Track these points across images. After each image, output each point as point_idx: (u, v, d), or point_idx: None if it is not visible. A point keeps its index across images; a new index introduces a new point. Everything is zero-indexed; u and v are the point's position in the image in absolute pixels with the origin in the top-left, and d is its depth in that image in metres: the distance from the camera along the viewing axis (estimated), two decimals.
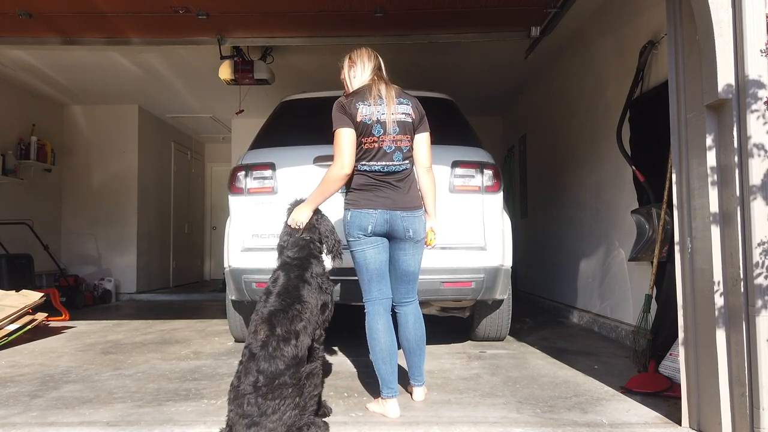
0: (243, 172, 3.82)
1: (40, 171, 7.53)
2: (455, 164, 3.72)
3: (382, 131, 2.62)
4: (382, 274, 2.70)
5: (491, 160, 3.83)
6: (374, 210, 2.62)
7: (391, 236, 2.69)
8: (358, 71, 2.73)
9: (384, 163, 2.63)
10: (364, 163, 2.64)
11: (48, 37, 5.10)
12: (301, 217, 2.65)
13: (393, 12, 4.59)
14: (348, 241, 2.68)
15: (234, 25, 4.99)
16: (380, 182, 2.65)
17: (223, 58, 5.58)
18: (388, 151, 2.63)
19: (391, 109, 2.63)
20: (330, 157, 3.60)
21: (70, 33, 5.06)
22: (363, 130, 2.61)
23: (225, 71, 5.67)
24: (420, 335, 2.78)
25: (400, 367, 3.26)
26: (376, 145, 2.62)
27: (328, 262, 2.73)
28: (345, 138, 2.58)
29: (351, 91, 2.72)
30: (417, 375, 2.81)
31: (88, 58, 6.22)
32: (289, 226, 2.69)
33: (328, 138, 3.57)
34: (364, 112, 2.61)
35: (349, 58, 2.76)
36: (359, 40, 5.09)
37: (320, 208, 2.74)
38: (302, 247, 2.61)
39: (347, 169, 2.58)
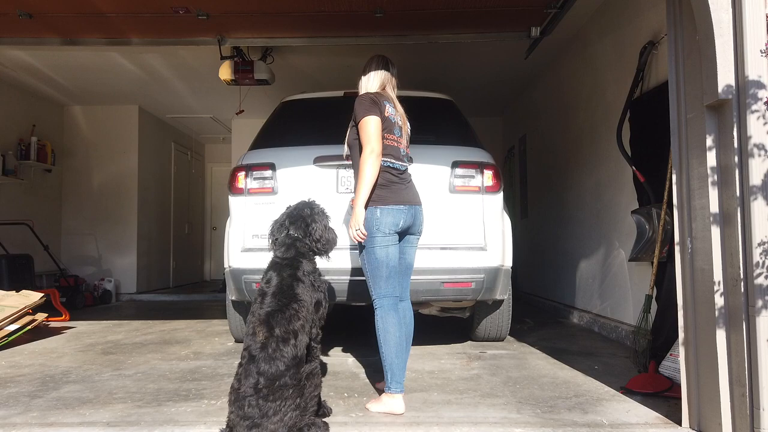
0: (243, 173, 3.82)
1: (40, 171, 7.53)
2: (455, 164, 3.73)
3: (400, 134, 2.85)
4: (396, 270, 2.76)
5: (491, 161, 3.83)
6: (404, 205, 2.74)
7: (408, 231, 2.82)
8: (363, 83, 2.92)
9: (401, 162, 2.83)
10: (386, 159, 2.75)
11: (48, 37, 5.10)
12: (359, 219, 2.67)
13: (393, 12, 4.59)
14: (374, 237, 2.68)
15: (234, 26, 4.99)
16: (400, 180, 2.80)
17: (223, 58, 5.58)
18: (403, 153, 2.85)
19: (404, 119, 2.92)
20: (329, 158, 3.63)
21: (70, 33, 5.06)
22: (387, 126, 2.77)
23: (225, 72, 5.67)
24: (412, 331, 2.87)
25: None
26: (396, 143, 2.81)
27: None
28: (374, 125, 2.69)
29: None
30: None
31: (88, 59, 6.23)
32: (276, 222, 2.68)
33: (328, 138, 3.58)
34: (390, 111, 2.81)
35: (364, 67, 2.95)
36: (359, 40, 5.11)
37: (322, 207, 2.73)
38: (288, 246, 2.57)
39: (378, 152, 2.67)
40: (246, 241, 3.78)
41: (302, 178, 3.72)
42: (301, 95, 4.54)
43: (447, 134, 4.07)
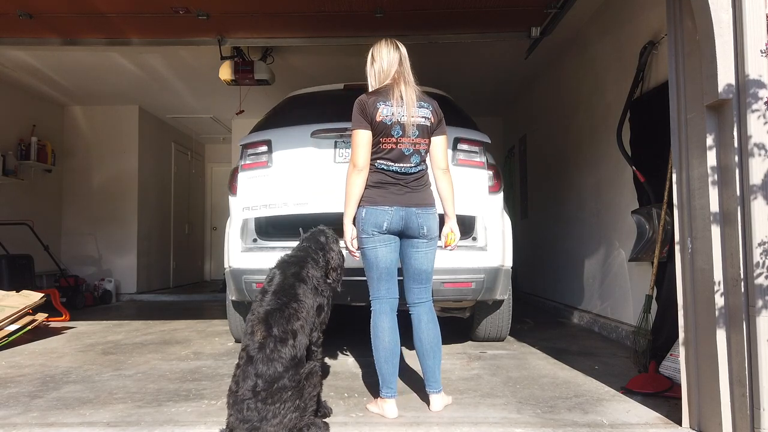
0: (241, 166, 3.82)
1: (40, 172, 7.53)
2: (457, 140, 3.66)
3: (401, 133, 2.64)
4: (391, 273, 2.69)
5: (490, 159, 3.82)
6: (390, 207, 2.62)
7: (404, 234, 2.69)
8: (377, 68, 2.72)
9: (401, 164, 2.65)
10: (382, 161, 2.65)
11: (48, 37, 5.10)
12: (346, 234, 2.67)
13: (393, 12, 4.59)
14: (360, 238, 2.67)
15: (234, 26, 4.99)
16: (396, 181, 2.65)
17: (223, 58, 5.59)
18: (407, 154, 2.65)
19: (411, 111, 2.64)
20: (327, 130, 3.60)
21: (71, 33, 5.06)
22: (382, 130, 2.62)
23: (225, 72, 5.68)
24: (433, 337, 2.73)
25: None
26: (395, 146, 2.64)
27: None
28: (359, 139, 2.61)
29: (372, 89, 2.72)
30: (432, 380, 2.71)
31: (88, 59, 6.23)
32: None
33: (326, 118, 3.56)
34: (385, 112, 2.61)
35: (371, 55, 2.75)
36: (359, 40, 5.11)
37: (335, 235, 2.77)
38: (300, 249, 2.65)
39: (360, 166, 2.61)
40: (246, 242, 3.78)
41: (299, 151, 3.66)
42: (301, 90, 4.56)
43: (447, 121, 4.05)
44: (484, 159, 3.68)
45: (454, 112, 4.21)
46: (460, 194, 3.56)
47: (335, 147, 3.65)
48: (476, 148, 3.69)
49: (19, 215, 6.91)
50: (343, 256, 2.79)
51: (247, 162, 3.74)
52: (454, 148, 3.65)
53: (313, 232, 2.78)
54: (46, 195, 7.74)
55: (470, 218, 3.70)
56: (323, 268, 2.64)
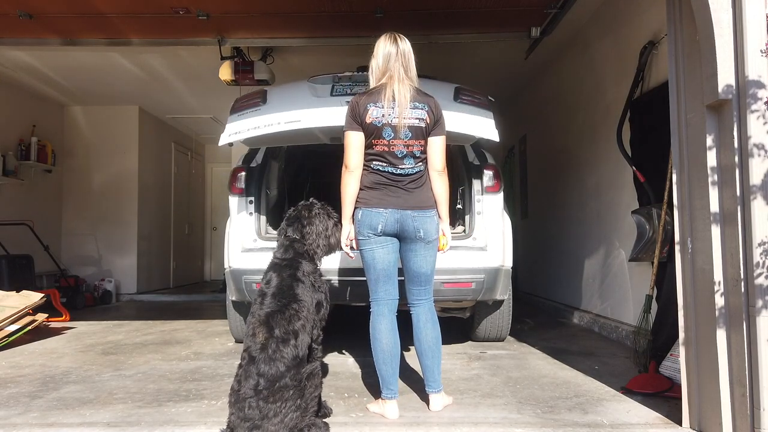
0: (243, 173, 3.81)
1: (40, 172, 7.53)
2: (458, 90, 3.59)
3: (392, 135, 2.58)
4: (389, 274, 2.67)
5: (490, 158, 3.80)
6: (384, 209, 2.59)
7: (401, 237, 2.66)
8: (374, 65, 2.67)
9: (395, 166, 2.61)
10: (376, 162, 2.62)
11: (48, 37, 5.11)
12: (344, 235, 2.67)
13: (393, 12, 4.59)
14: (357, 239, 2.66)
15: (234, 26, 4.99)
16: (392, 182, 2.62)
17: (223, 58, 5.59)
18: (400, 156, 2.61)
19: (403, 113, 2.57)
20: (325, 75, 3.59)
21: (71, 34, 5.06)
22: (373, 132, 2.58)
23: (225, 72, 5.67)
24: (432, 337, 2.71)
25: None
26: (387, 148, 2.59)
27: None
28: (350, 141, 2.60)
29: (371, 87, 2.67)
30: (431, 380, 2.70)
31: (88, 59, 6.23)
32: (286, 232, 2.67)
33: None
34: (374, 114, 2.57)
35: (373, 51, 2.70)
36: (359, 40, 5.10)
37: (323, 210, 2.74)
38: (287, 247, 2.59)
39: (351, 167, 2.59)
40: (246, 242, 3.78)
41: (295, 92, 3.60)
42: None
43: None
44: (487, 101, 3.58)
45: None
46: (460, 121, 3.36)
47: (333, 87, 3.57)
48: (478, 96, 3.60)
49: (19, 215, 6.91)
50: (328, 233, 2.71)
51: (239, 106, 3.60)
52: (456, 94, 3.56)
53: (297, 210, 2.69)
54: (46, 195, 7.73)
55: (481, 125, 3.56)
56: (307, 249, 2.60)
